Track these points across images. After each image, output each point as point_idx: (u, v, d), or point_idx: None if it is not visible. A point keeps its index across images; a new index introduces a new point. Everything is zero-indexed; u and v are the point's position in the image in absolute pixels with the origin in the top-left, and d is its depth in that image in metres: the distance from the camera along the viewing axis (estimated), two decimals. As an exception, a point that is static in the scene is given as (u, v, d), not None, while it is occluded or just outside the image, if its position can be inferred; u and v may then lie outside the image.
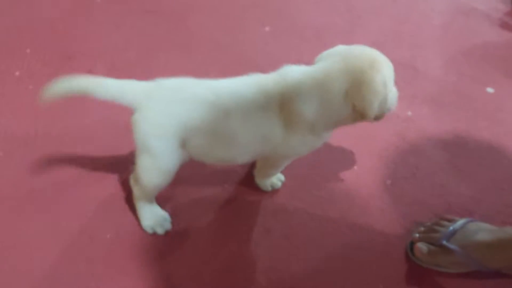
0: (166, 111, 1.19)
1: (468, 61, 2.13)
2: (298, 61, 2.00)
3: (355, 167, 1.64)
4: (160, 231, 1.39)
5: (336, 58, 1.23)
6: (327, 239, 1.46)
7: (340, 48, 1.27)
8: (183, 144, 1.22)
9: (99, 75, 1.83)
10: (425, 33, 2.29)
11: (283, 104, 1.20)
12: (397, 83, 2.02)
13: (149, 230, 1.39)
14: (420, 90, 1.96)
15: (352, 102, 1.17)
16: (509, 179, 1.66)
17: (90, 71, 1.90)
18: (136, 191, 1.36)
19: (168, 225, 1.40)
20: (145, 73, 1.90)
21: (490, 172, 1.68)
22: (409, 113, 1.86)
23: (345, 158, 1.67)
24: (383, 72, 1.21)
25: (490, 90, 1.98)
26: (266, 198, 1.53)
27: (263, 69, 2.00)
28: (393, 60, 2.05)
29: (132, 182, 1.38)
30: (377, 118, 1.24)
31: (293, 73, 1.24)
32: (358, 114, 1.19)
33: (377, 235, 1.47)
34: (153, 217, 1.39)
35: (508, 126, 1.85)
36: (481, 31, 2.31)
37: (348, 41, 2.20)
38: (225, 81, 1.27)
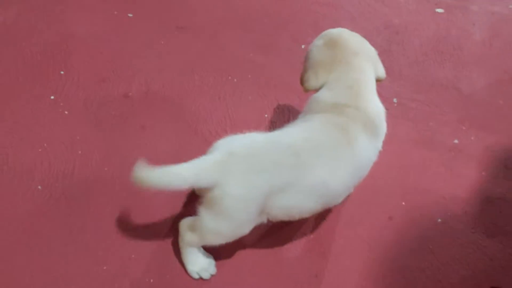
0: (248, 185, 1.13)
1: (514, 82, 1.99)
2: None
3: (403, 203, 1.53)
4: (205, 275, 1.31)
5: (345, 56, 1.30)
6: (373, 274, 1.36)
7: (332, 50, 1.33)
8: (265, 209, 1.17)
9: (135, 100, 1.80)
10: (467, 51, 2.15)
11: (365, 123, 1.21)
12: (441, 106, 1.92)
13: (195, 276, 1.31)
14: (466, 115, 1.83)
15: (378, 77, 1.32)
16: None
17: (126, 95, 1.82)
18: (188, 237, 1.27)
19: (213, 270, 1.32)
20: (181, 96, 1.85)
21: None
22: (456, 141, 1.74)
23: (392, 192, 1.56)
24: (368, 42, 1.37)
25: (539, 115, 1.85)
26: (306, 234, 1.44)
27: (299, 93, 1.91)
28: (435, 80, 1.94)
29: (185, 228, 1.28)
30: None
31: (332, 94, 1.27)
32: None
33: (428, 279, 1.37)
34: (199, 262, 1.31)
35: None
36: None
37: (386, 60, 2.09)
38: (296, 132, 1.22)
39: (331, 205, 1.28)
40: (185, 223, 1.28)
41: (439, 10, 2.37)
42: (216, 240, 1.24)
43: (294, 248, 1.41)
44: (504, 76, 2.01)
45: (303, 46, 2.11)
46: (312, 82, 1.32)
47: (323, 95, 1.29)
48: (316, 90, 1.32)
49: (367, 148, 1.23)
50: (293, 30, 2.20)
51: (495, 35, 2.23)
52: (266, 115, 1.79)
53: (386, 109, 1.82)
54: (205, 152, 1.58)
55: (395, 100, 1.87)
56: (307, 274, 1.37)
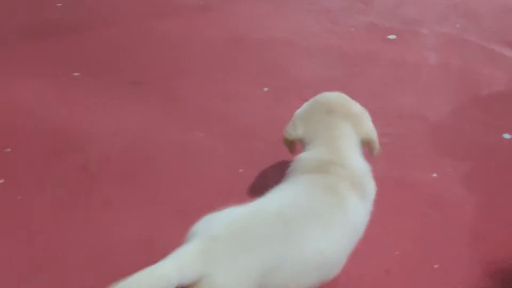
0: (238, 270, 0.99)
1: (477, 104, 1.99)
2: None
3: (397, 253, 1.45)
4: None
5: (321, 116, 1.29)
6: None
7: (308, 110, 1.34)
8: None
9: (95, 171, 1.62)
10: (425, 76, 2.15)
11: (352, 182, 1.16)
12: (412, 138, 1.88)
13: None
14: (437, 145, 1.80)
15: (363, 136, 1.27)
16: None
17: (84, 167, 1.64)
18: None
19: None
20: (146, 160, 1.69)
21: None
22: (434, 174, 1.69)
23: (384, 241, 1.47)
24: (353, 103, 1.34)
25: (507, 136, 1.85)
26: None
27: (267, 139, 1.82)
28: (401, 110, 1.90)
29: None
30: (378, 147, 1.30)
31: (320, 155, 1.22)
32: (367, 143, 1.27)
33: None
34: None
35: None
36: (480, 67, 2.19)
37: (349, 95, 2.05)
38: (282, 197, 1.12)
39: (330, 277, 1.17)
40: None
41: (391, 37, 2.38)
42: None
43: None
44: (465, 99, 2.02)
45: (265, 89, 2.03)
46: (290, 130, 1.34)
47: (306, 153, 1.26)
48: (300, 144, 1.32)
49: (358, 208, 1.16)
50: (253, 73, 2.11)
51: (448, 57, 2.25)
52: (240, 170, 1.67)
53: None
54: (179, 227, 1.45)
55: (367, 137, 1.81)
56: None
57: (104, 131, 1.78)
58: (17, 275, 1.30)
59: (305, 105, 1.37)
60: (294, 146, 1.38)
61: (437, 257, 1.42)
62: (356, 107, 1.33)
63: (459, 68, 2.17)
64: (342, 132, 1.25)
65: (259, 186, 1.59)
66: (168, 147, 1.74)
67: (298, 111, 1.37)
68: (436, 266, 1.41)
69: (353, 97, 2.00)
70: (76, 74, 2.06)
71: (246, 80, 2.06)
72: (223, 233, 1.02)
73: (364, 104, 1.96)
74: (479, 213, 1.55)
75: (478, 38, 2.33)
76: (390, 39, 2.33)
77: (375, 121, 1.86)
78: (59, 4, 2.60)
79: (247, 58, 2.19)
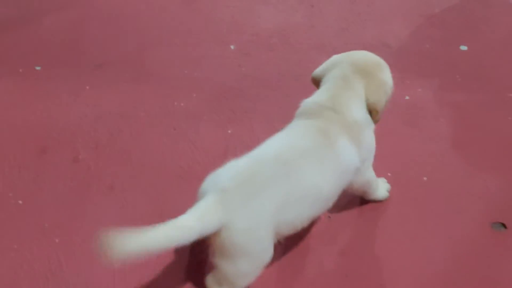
0: (252, 213, 1.09)
1: (432, 23, 2.09)
2: (278, 74, 1.88)
3: (389, 174, 1.56)
4: None
5: (343, 65, 1.30)
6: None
7: (340, 57, 1.34)
8: (275, 229, 1.13)
9: (89, 161, 1.62)
10: (380, 4, 2.21)
11: (343, 126, 1.22)
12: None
13: None
14: (404, 69, 1.90)
15: (367, 98, 1.26)
16: None
17: (76, 159, 1.63)
18: None
19: None
20: (134, 140, 1.67)
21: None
22: (407, 97, 1.80)
23: (375, 165, 1.58)
24: (387, 73, 1.33)
25: (463, 48, 1.96)
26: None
27: (246, 95, 1.85)
28: (365, 43, 1.97)
29: (211, 284, 1.19)
30: (378, 118, 1.30)
31: (320, 99, 1.27)
32: (370, 110, 1.27)
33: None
34: None
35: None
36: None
37: (314, 38, 2.09)
38: (280, 141, 1.22)
39: (323, 210, 1.27)
40: (210, 282, 1.21)
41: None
42: (247, 280, 1.18)
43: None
44: (420, 19, 2.10)
45: (232, 47, 2.04)
46: (316, 69, 1.37)
47: (309, 98, 1.31)
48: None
49: (348, 150, 1.23)
50: (215, 32, 2.11)
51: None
52: (229, 131, 1.71)
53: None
54: (186, 191, 1.50)
55: (339, 75, 1.88)
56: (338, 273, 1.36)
57: (85, 120, 1.76)
58: (41, 275, 1.33)
59: (343, 53, 1.37)
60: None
61: (424, 171, 1.55)
62: (381, 75, 1.30)
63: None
64: (350, 85, 1.27)
65: (251, 143, 1.64)
66: (153, 122, 1.75)
67: (335, 55, 1.37)
68: (425, 178, 1.54)
69: (317, 37, 2.07)
70: (38, 67, 1.99)
71: (210, 41, 2.06)
72: (231, 184, 1.10)
73: (328, 42, 2.03)
74: (454, 124, 1.68)
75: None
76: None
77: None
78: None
79: (205, 18, 2.17)
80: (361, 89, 1.27)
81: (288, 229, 1.18)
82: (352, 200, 1.46)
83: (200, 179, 1.55)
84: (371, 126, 1.29)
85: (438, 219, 1.41)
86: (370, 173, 1.35)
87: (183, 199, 1.48)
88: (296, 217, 1.17)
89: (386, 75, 1.31)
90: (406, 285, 1.28)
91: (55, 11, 2.26)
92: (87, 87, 1.89)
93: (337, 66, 1.31)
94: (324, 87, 1.30)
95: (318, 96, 1.29)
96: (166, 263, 1.35)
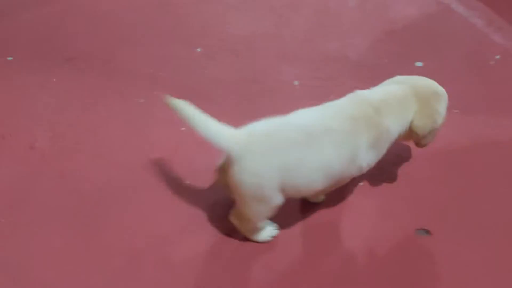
0: (264, 163, 1.21)
1: (392, 39, 2.15)
2: (240, 78, 1.94)
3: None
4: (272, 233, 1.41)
5: (403, 85, 1.40)
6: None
7: (402, 78, 1.46)
8: (283, 185, 1.24)
9: (43, 148, 1.68)
10: (346, 19, 2.28)
11: (373, 125, 1.30)
12: (338, 78, 2.02)
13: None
14: (361, 81, 1.94)
15: (413, 122, 1.36)
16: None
17: (32, 146, 1.69)
18: (244, 226, 1.36)
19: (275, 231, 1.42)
20: (91, 133, 1.75)
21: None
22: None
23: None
24: (443, 104, 1.41)
25: (419, 64, 2.03)
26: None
27: (205, 96, 1.90)
28: (327, 54, 2.02)
29: (234, 220, 1.36)
30: (423, 143, 1.41)
31: (373, 96, 1.36)
32: (412, 132, 1.38)
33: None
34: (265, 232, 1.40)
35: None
36: (394, 4, 2.33)
37: (278, 46, 2.15)
38: (309, 115, 1.31)
39: (329, 189, 1.36)
40: (232, 217, 1.36)
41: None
42: (259, 218, 1.32)
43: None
44: (381, 35, 2.17)
45: (198, 50, 2.10)
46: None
47: (367, 90, 1.42)
48: None
49: (366, 151, 1.32)
50: (184, 35, 2.17)
51: (365, -1, 2.38)
52: (182, 128, 1.76)
53: (290, 93, 1.91)
54: (135, 184, 1.56)
55: (296, 82, 1.94)
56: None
57: (47, 110, 1.82)
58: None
59: (407, 76, 1.48)
60: None
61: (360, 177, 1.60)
62: (436, 104, 1.39)
63: (374, 8, 2.32)
64: (403, 103, 1.36)
65: (202, 141, 1.70)
66: (110, 116, 1.80)
67: (398, 76, 1.48)
68: (361, 184, 1.59)
69: (282, 46, 2.13)
70: (10, 58, 2.05)
71: (179, 43, 2.12)
72: (258, 131, 1.25)
73: (293, 52, 2.10)
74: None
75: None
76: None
77: (304, 68, 2.01)
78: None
79: (176, 20, 2.24)
80: (411, 110, 1.36)
81: (292, 192, 1.29)
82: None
83: (149, 172, 1.62)
84: (391, 144, 1.38)
85: (366, 221, 1.46)
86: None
87: (132, 190, 1.55)
88: (301, 183, 1.27)
89: (440, 106, 1.40)
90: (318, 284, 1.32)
91: (35, 5, 2.33)
92: (54, 79, 1.95)
93: (399, 83, 1.42)
94: (383, 89, 1.41)
95: (373, 93, 1.39)
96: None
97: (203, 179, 1.54)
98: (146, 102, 1.86)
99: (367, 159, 1.33)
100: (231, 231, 1.41)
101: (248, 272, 1.35)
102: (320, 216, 1.48)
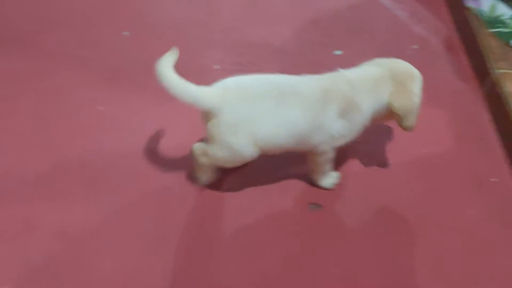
0: (239, 112, 1.31)
1: (316, 28, 2.24)
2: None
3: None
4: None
5: (382, 67, 1.48)
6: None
7: (382, 60, 1.52)
8: (255, 139, 1.33)
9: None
10: (274, 9, 2.36)
11: (343, 98, 1.38)
12: (259, 64, 2.09)
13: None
14: (281, 68, 2.02)
15: (391, 103, 1.43)
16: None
17: None
18: (203, 160, 1.43)
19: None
20: (17, 117, 1.74)
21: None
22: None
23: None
24: (417, 85, 1.46)
25: (338, 52, 2.12)
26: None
27: (128, 78, 1.95)
28: (251, 42, 2.08)
29: (198, 152, 1.43)
30: (406, 124, 1.45)
31: (351, 74, 1.45)
32: (393, 114, 1.44)
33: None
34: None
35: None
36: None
37: (204, 33, 2.21)
38: (285, 77, 1.41)
39: (291, 148, 1.42)
40: (196, 148, 1.44)
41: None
42: (225, 164, 1.45)
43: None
44: (306, 24, 2.26)
45: (126, 33, 2.14)
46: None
47: (347, 70, 1.49)
48: None
49: (334, 120, 1.39)
50: (112, 19, 2.21)
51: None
52: (100, 107, 1.81)
53: (208, 75, 1.97)
54: (51, 157, 1.59)
55: (217, 66, 2.01)
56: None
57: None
58: None
59: (386, 58, 1.53)
60: None
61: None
62: (411, 85, 1.44)
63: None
64: (378, 81, 1.44)
65: (120, 122, 1.75)
66: (31, 95, 1.83)
67: (377, 58, 1.54)
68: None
69: (207, 33, 2.20)
70: None
71: (107, 26, 2.16)
72: (234, 85, 1.36)
73: (217, 38, 2.16)
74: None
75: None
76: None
77: (226, 53, 2.08)
78: None
79: (106, 4, 2.28)
80: (385, 92, 1.43)
81: (261, 144, 1.36)
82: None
83: (66, 147, 1.65)
84: (366, 121, 1.45)
85: (256, 196, 1.53)
86: (330, 151, 1.46)
87: (47, 164, 1.58)
88: (267, 136, 1.35)
89: (415, 87, 1.45)
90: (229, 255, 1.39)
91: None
92: (-21, 59, 1.97)
93: (378, 66, 1.49)
94: (362, 69, 1.49)
95: (352, 72, 1.46)
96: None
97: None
98: (69, 82, 1.90)
99: (337, 128, 1.39)
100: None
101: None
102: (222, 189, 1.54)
